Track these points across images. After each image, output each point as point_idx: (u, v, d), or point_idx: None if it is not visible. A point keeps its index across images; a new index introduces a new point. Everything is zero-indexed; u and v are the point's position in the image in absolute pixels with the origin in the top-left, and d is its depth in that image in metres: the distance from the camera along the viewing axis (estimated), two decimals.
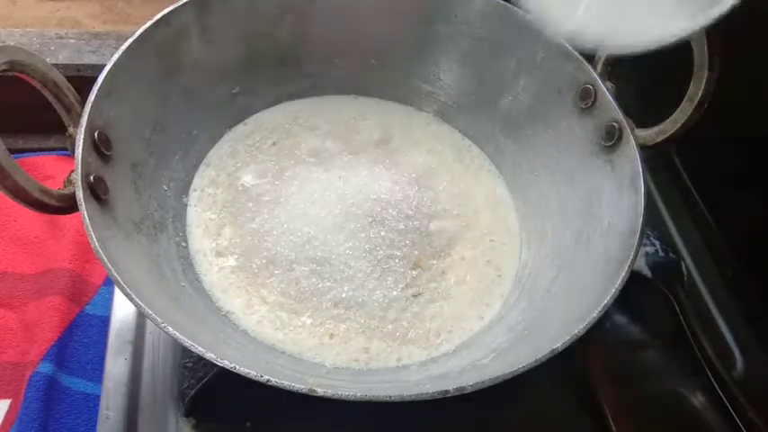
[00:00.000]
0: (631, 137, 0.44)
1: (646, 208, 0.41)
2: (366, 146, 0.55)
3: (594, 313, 0.36)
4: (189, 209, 0.49)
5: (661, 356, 0.53)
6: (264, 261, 0.47)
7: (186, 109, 0.50)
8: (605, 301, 0.37)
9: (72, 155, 0.39)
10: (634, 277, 0.38)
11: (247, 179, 0.52)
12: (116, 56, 0.43)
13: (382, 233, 0.48)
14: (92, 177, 0.38)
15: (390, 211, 0.50)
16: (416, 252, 0.48)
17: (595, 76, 0.48)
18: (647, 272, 0.56)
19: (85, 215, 0.36)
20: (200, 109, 0.51)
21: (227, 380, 0.43)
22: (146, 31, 0.45)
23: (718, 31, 0.40)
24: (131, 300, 0.33)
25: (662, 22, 0.36)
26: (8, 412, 0.48)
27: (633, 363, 0.52)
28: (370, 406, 0.32)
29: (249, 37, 0.52)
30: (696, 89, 0.42)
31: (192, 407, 0.44)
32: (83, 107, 0.40)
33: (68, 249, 0.56)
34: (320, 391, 0.32)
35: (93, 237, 0.35)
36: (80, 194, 0.36)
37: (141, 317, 0.49)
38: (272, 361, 0.42)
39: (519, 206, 0.54)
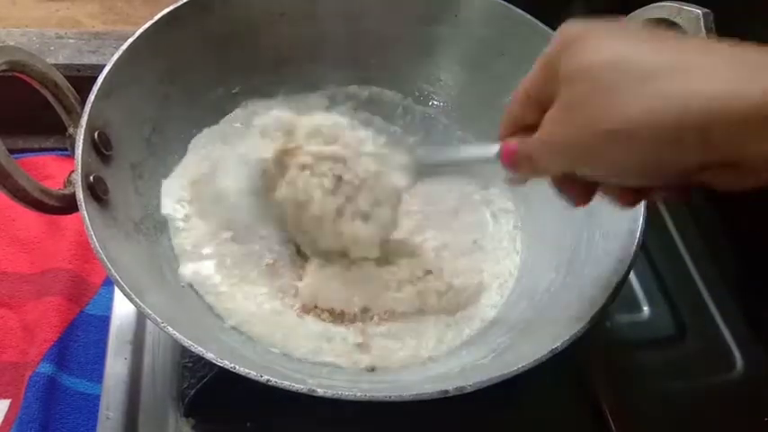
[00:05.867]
0: None
1: (645, 207, 0.41)
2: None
3: (594, 313, 0.36)
4: None
5: (661, 356, 0.53)
6: (264, 261, 0.47)
7: (186, 109, 0.50)
8: (605, 301, 0.37)
9: (72, 155, 0.39)
10: (634, 277, 0.38)
11: None
12: (116, 56, 0.43)
13: None
14: (92, 177, 0.38)
15: None
16: (416, 252, 0.48)
17: None
18: (646, 271, 0.56)
19: (85, 215, 0.36)
20: (200, 109, 0.51)
21: (227, 380, 0.43)
22: (146, 31, 0.45)
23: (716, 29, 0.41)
24: (131, 300, 0.33)
25: None
26: (8, 412, 0.48)
27: (633, 363, 0.52)
28: (370, 406, 0.32)
29: (249, 37, 0.52)
30: None
31: (192, 407, 0.44)
32: (83, 107, 0.40)
33: (68, 249, 0.56)
34: (320, 391, 0.32)
35: (93, 237, 0.35)
36: (80, 194, 0.37)
37: (141, 317, 0.49)
38: (272, 361, 0.42)
39: (519, 207, 0.54)
